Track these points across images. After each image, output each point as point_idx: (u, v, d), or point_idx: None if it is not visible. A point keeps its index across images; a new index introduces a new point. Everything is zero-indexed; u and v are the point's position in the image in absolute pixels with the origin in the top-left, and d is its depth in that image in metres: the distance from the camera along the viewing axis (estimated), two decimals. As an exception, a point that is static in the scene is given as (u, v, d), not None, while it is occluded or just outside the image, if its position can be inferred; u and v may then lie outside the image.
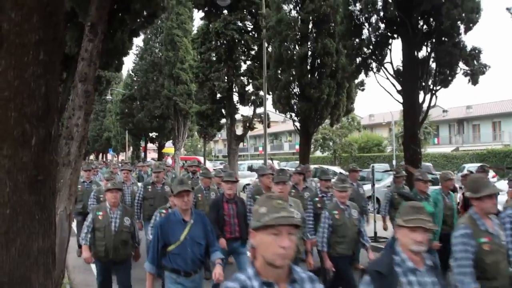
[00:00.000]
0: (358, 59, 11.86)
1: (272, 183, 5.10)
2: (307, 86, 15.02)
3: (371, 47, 11.55)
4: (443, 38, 10.65)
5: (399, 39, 11.24)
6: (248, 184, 18.10)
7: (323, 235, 5.41)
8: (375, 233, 10.20)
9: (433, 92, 11.13)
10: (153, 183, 8.04)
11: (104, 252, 5.36)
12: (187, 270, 4.10)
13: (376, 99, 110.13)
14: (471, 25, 10.43)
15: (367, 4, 11.11)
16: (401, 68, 11.35)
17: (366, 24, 11.69)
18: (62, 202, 5.29)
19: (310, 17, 15.20)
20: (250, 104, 21.31)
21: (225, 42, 20.74)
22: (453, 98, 72.49)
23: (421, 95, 11.12)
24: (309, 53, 15.46)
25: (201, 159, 34.54)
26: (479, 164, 10.40)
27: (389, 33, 11.41)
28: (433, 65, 11.15)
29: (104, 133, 53.94)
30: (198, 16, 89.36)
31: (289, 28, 15.02)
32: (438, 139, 48.32)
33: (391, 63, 11.63)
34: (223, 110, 22.43)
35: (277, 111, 16.75)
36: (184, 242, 4.06)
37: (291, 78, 15.44)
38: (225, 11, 20.64)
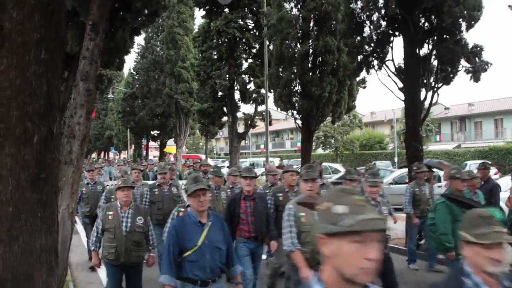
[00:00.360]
0: (360, 57, 11.84)
1: (300, 181, 4.73)
2: (309, 84, 15.01)
3: (372, 44, 11.53)
4: (444, 36, 10.63)
5: (401, 36, 11.22)
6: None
7: None
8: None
9: (435, 89, 11.12)
10: (159, 185, 7.53)
11: (114, 255, 4.94)
12: (204, 279, 3.59)
13: (378, 97, 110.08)
14: (472, 22, 10.40)
15: (368, 2, 11.10)
16: (402, 65, 11.34)
17: (367, 22, 11.67)
18: (64, 200, 5.30)
19: (311, 15, 15.18)
20: (251, 102, 21.31)
21: (226, 40, 20.74)
22: (455, 96, 72.55)
23: (423, 93, 11.11)
24: (311, 51, 15.43)
25: (203, 157, 34.59)
26: (481, 161, 10.39)
27: (390, 31, 11.39)
28: (435, 63, 11.13)
29: (106, 131, 53.99)
30: (199, 14, 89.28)
31: (290, 26, 15.00)
32: (440, 137, 48.31)
33: (392, 60, 11.62)
34: (224, 108, 22.44)
35: (279, 109, 16.73)
36: (202, 247, 3.54)
37: (293, 76, 15.42)
38: (226, 10, 20.64)
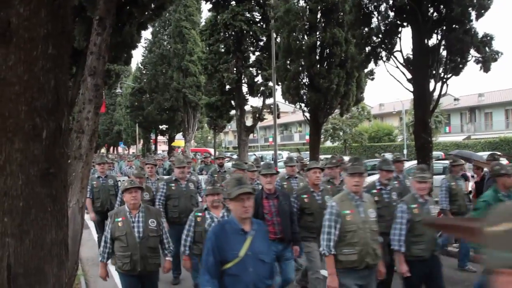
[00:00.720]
0: (368, 48, 11.77)
1: (345, 175, 4.22)
2: (316, 76, 14.95)
3: (380, 36, 11.45)
4: (454, 25, 10.52)
5: (409, 27, 11.12)
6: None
7: (401, 232, 4.61)
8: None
9: (444, 80, 11.02)
10: (176, 180, 6.97)
11: (130, 265, 4.52)
12: None
13: (386, 88, 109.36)
14: (482, 11, 10.28)
15: (376, -8, 11.02)
16: (411, 56, 11.24)
17: (375, 13, 11.58)
18: (74, 195, 5.34)
19: (319, 7, 15.09)
20: (259, 95, 21.30)
21: (233, 33, 20.71)
22: (464, 86, 71.80)
23: (432, 84, 11.02)
24: (318, 43, 15.36)
25: (211, 150, 34.68)
26: (490, 153, 10.29)
27: (398, 21, 11.29)
28: (444, 53, 11.03)
29: (115, 126, 54.29)
30: (206, 7, 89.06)
31: (297, 18, 14.93)
32: (450, 128, 47.94)
33: (401, 51, 11.53)
34: (232, 102, 22.45)
35: (287, 101, 16.71)
36: (245, 259, 3.07)
37: (300, 68, 15.38)
38: (233, 2, 20.60)
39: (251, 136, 24.45)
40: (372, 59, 11.84)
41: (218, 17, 20.98)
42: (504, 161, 14.94)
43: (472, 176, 9.77)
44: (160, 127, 39.19)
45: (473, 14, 10.35)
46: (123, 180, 9.17)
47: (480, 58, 10.61)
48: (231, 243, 3.10)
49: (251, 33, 20.66)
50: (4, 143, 1.94)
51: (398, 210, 4.75)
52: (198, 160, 22.25)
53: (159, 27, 36.43)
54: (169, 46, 34.53)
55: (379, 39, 11.51)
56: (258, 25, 20.88)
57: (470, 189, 8.86)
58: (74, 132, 5.37)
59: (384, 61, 11.73)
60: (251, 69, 21.23)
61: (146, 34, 44.91)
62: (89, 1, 7.20)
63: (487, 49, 10.53)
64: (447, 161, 14.75)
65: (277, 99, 19.59)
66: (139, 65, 40.84)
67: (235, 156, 26.75)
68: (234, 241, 3.10)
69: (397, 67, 11.40)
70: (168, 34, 35.65)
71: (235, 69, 21.05)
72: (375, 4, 11.41)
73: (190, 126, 32.68)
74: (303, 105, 16.21)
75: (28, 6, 1.97)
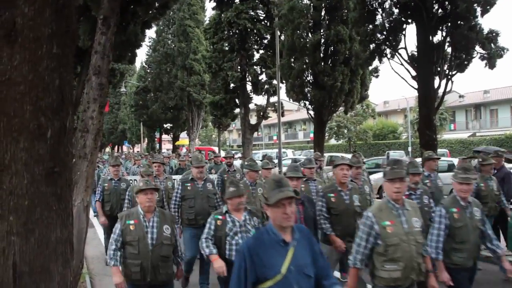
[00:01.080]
0: (372, 46, 11.76)
1: (384, 181, 3.73)
2: (321, 74, 14.94)
3: (384, 33, 11.43)
4: (459, 22, 10.48)
5: (414, 24, 11.09)
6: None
7: (438, 239, 4.20)
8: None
9: (449, 77, 10.99)
10: (192, 180, 6.38)
11: (140, 274, 4.10)
12: None
13: (391, 86, 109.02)
14: (488, 7, 10.23)
15: (380, -11, 10.99)
16: (415, 53, 11.21)
17: (380, 10, 11.56)
18: (79, 194, 5.36)
19: (323, 4, 15.08)
20: (263, 93, 21.31)
21: (237, 31, 20.71)
22: (469, 83, 71.40)
23: (437, 81, 11.00)
24: (322, 40, 15.35)
25: (216, 149, 34.71)
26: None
27: (403, 18, 11.26)
28: (449, 50, 11.00)
29: (119, 125, 54.50)
30: (210, 6, 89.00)
31: (301, 16, 14.91)
32: (455, 125, 47.73)
33: (405, 48, 11.51)
34: (236, 100, 22.46)
35: (291, 99, 16.72)
36: (288, 276, 2.56)
37: (304, 66, 15.37)
38: (237, 0, 20.60)
39: (255, 134, 24.46)
40: (377, 57, 11.83)
41: (222, 15, 20.98)
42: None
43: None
44: (165, 125, 39.30)
45: (479, 10, 10.30)
46: (135, 180, 8.66)
47: (485, 55, 10.57)
48: (271, 258, 2.61)
49: (255, 31, 20.65)
50: (10, 142, 1.96)
51: (436, 214, 4.32)
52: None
53: (163, 26, 36.51)
54: (173, 45, 34.60)
55: (384, 36, 11.49)
56: (262, 23, 20.86)
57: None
58: (78, 131, 5.39)
59: (388, 58, 11.71)
60: (255, 67, 21.22)
61: (150, 33, 45.02)
62: (94, 1, 7.22)
63: (492, 45, 10.48)
64: (451, 158, 14.69)
65: (282, 97, 19.59)
66: (144, 64, 40.96)
67: (238, 155, 26.74)
68: (274, 254, 2.62)
69: (402, 64, 11.38)
70: (172, 32, 35.71)
71: (239, 67, 21.05)
72: (380, 1, 11.40)
73: (194, 125, 32.74)
74: (307, 103, 16.21)
75: (32, 6, 1.98)
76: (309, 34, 15.33)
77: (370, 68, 14.52)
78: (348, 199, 5.33)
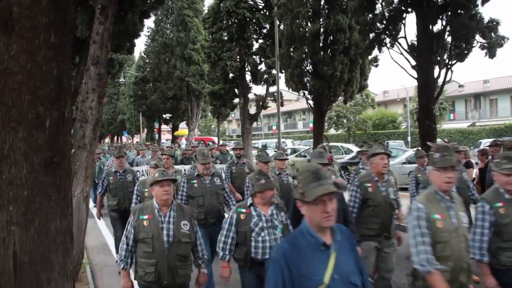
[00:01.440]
0: (372, 35, 11.71)
1: (432, 170, 3.28)
2: (320, 64, 14.89)
3: (384, 22, 11.37)
4: (459, 11, 10.43)
5: (413, 13, 11.03)
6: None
7: (482, 238, 3.70)
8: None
9: (449, 66, 10.96)
10: (198, 176, 5.96)
11: (154, 275, 3.66)
12: None
13: (390, 75, 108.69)
14: (488, -4, 10.17)
15: (380, -23, 10.91)
16: (415, 42, 11.17)
17: (379, -1, 11.48)
18: (79, 184, 5.37)
19: (322, -7, 14.98)
20: (263, 83, 21.23)
21: (236, 21, 20.58)
22: (469, 73, 71.19)
23: (436, 70, 10.97)
24: (322, 29, 15.26)
25: (215, 139, 34.71)
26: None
27: (403, 7, 11.20)
28: (449, 39, 10.96)
29: (118, 115, 54.42)
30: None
31: (300, 5, 14.82)
32: (454, 115, 47.74)
33: (405, 38, 11.46)
34: (236, 90, 22.39)
35: (290, 89, 16.67)
36: (332, 286, 2.17)
37: (304, 55, 15.31)
38: (236, -11, 20.40)
39: (254, 124, 24.41)
40: (376, 46, 11.78)
41: (221, 4, 20.83)
42: None
43: (476, 163, 9.75)
44: (164, 116, 39.24)
45: (479, -1, 10.25)
46: (142, 171, 8.30)
47: (485, 44, 10.53)
48: (310, 266, 2.20)
49: (254, 20, 20.52)
50: (8, 132, 1.96)
51: (479, 211, 3.81)
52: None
53: (162, 16, 36.29)
54: (172, 35, 34.43)
55: (383, 26, 11.44)
56: (261, 12, 20.72)
57: (474, 176, 8.84)
58: (77, 121, 5.39)
59: (388, 48, 11.67)
60: (254, 57, 21.12)
61: (149, 22, 44.87)
62: (91, -10, 7.17)
63: (492, 34, 10.44)
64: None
65: (281, 87, 19.53)
66: (142, 54, 40.81)
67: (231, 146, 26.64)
68: (313, 261, 2.20)
69: (402, 53, 11.34)
70: (170, 22, 35.51)
71: (238, 57, 20.95)
72: (379, -10, 11.33)
73: (193, 115, 32.69)
74: (306, 92, 16.17)
75: (29, -6, 1.96)
76: (309, 23, 15.25)
77: (370, 57, 14.47)
78: (385, 190, 4.88)
